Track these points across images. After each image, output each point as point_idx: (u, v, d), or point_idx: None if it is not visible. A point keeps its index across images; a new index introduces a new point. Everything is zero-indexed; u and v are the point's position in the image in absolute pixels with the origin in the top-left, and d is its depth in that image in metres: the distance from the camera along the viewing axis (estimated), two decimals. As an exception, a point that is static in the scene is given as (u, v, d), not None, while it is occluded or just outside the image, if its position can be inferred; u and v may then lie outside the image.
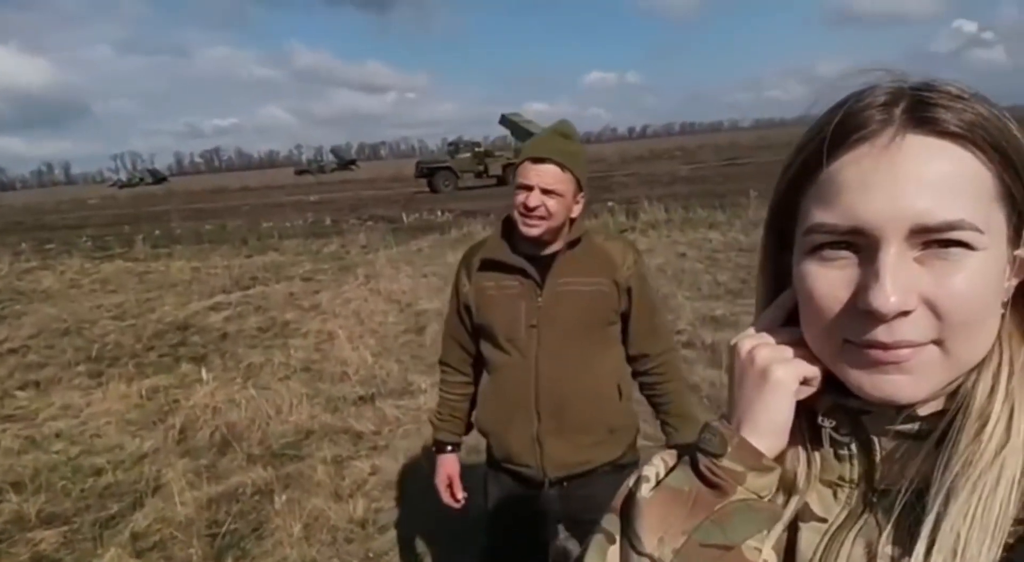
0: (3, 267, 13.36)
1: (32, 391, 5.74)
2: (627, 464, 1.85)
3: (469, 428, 2.05)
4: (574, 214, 1.75)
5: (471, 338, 1.93)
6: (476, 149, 30.25)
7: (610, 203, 15.37)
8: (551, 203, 1.67)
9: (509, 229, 1.80)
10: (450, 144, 31.34)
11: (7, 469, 4.14)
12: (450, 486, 2.02)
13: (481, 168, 29.61)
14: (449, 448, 2.02)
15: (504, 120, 30.41)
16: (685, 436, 1.83)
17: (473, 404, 2.03)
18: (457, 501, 2.04)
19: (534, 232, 1.68)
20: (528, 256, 1.76)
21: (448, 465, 2.02)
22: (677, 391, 1.87)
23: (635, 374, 1.89)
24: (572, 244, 1.76)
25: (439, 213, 18.08)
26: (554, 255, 1.76)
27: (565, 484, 1.81)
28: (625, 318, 1.82)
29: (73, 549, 3.29)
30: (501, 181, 29.04)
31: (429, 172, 29.09)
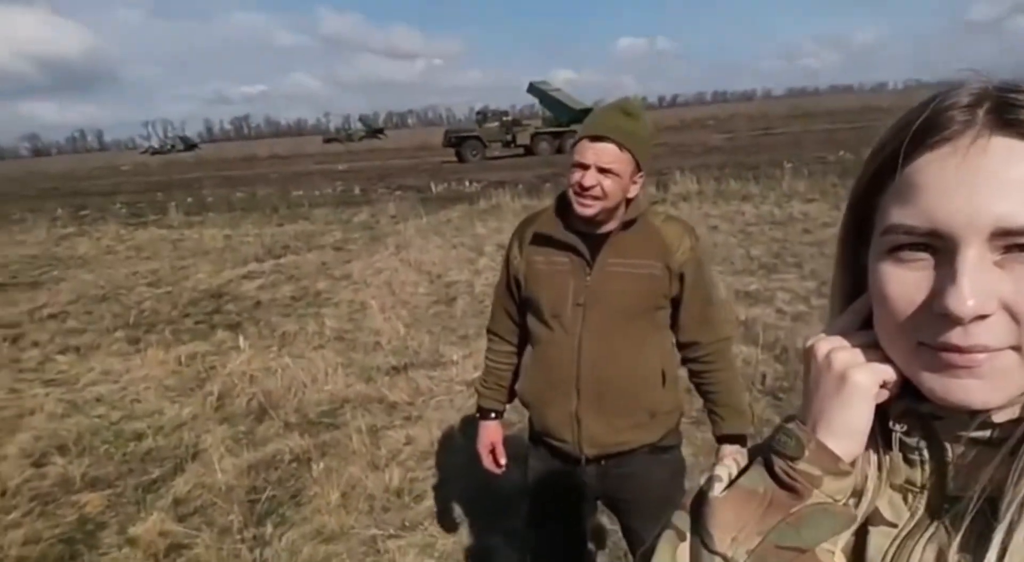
0: (40, 233, 13.64)
1: (72, 356, 5.88)
2: (667, 447, 1.85)
3: (512, 397, 2.07)
4: (631, 194, 1.70)
5: (518, 310, 1.93)
6: (504, 118, 30.03)
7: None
8: (607, 183, 1.63)
9: (564, 205, 1.76)
10: (478, 113, 31.13)
11: (51, 433, 4.26)
12: (492, 452, 2.05)
13: (509, 138, 29.42)
14: (492, 415, 2.05)
15: (532, 88, 30.11)
16: (733, 427, 1.83)
17: (517, 374, 2.04)
18: (499, 467, 2.07)
19: (588, 212, 1.65)
20: (581, 234, 1.73)
21: (491, 432, 2.05)
22: (727, 381, 1.83)
23: (684, 360, 1.87)
24: (627, 225, 1.72)
25: (467, 183, 18.06)
26: (608, 234, 1.73)
27: (603, 462, 1.81)
28: (676, 304, 1.78)
29: (118, 512, 3.39)
30: (529, 151, 28.85)
31: (457, 141, 28.99)
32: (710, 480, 0.60)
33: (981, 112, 0.48)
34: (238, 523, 3.16)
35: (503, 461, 2.06)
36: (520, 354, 2.02)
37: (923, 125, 0.49)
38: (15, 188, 33.73)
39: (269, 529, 3.12)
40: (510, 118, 30.56)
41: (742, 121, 43.78)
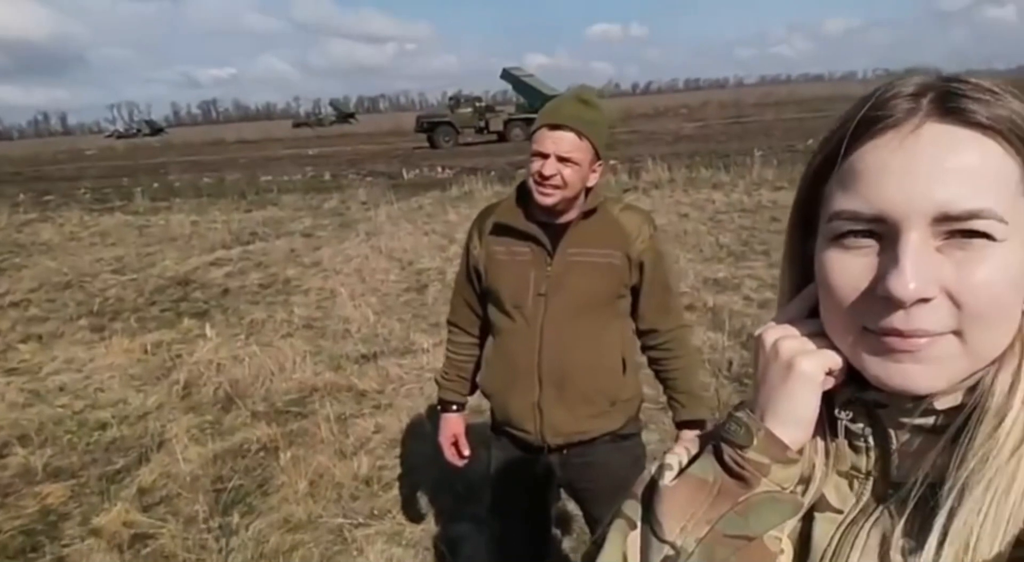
0: (2, 219, 13.30)
1: (34, 344, 5.76)
2: (628, 434, 1.86)
3: (474, 388, 2.07)
4: (590, 183, 1.72)
5: (479, 300, 1.93)
6: (477, 104, 29.84)
7: (612, 161, 15.25)
8: (567, 172, 1.64)
9: (524, 194, 1.77)
10: (451, 98, 30.90)
11: (12, 422, 4.18)
12: (455, 444, 2.05)
13: (482, 124, 29.26)
14: (454, 408, 2.05)
15: (506, 74, 29.95)
16: (692, 413, 1.85)
17: (479, 365, 2.04)
18: (462, 459, 2.07)
19: (548, 201, 1.66)
20: (541, 223, 1.74)
21: (453, 424, 2.05)
22: (686, 368, 1.86)
23: (644, 348, 1.89)
24: (587, 214, 1.73)
25: (439, 169, 17.95)
26: (568, 224, 1.73)
27: (565, 451, 1.82)
28: (636, 292, 1.80)
29: (81, 503, 3.34)
30: (502, 137, 28.71)
31: (429, 127, 28.73)
32: (661, 468, 0.60)
33: (925, 101, 0.49)
34: (204, 513, 3.14)
35: (466, 452, 2.06)
36: (482, 345, 2.02)
37: (867, 114, 0.50)
38: (-26, 172, 32.81)
39: (236, 518, 3.10)
40: (483, 104, 30.37)
41: (714, 109, 44.01)
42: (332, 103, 79.68)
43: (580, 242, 1.72)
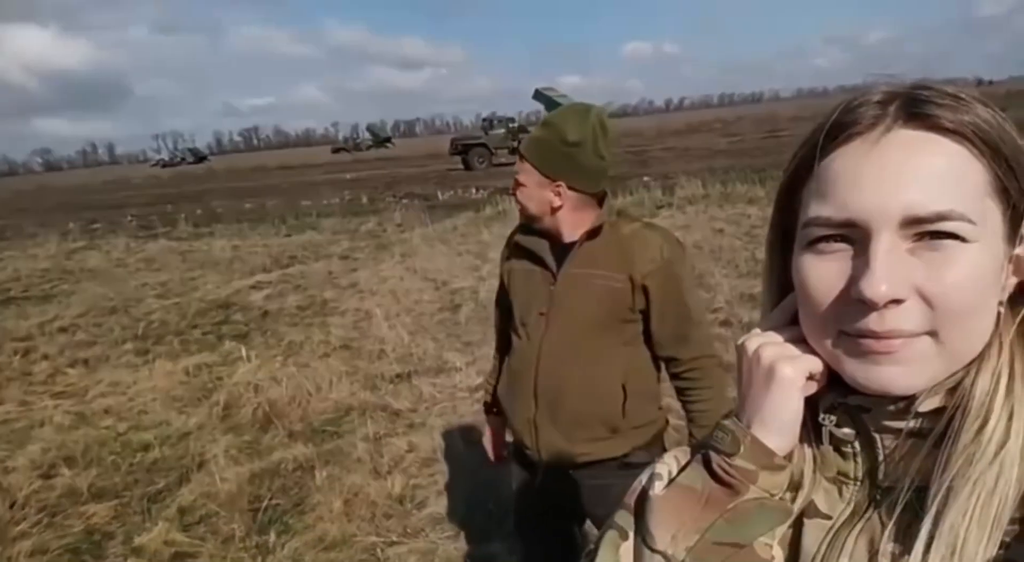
0: (51, 247, 13.76)
1: (81, 368, 5.93)
2: (640, 462, 1.76)
3: None
4: (555, 204, 1.68)
5: (507, 312, 1.98)
6: (510, 125, 30.08)
7: (646, 178, 15.22)
8: (518, 193, 1.73)
9: None
10: (484, 120, 31.20)
11: (60, 444, 4.30)
12: (495, 446, 2.15)
13: (515, 144, 29.43)
14: (495, 410, 2.09)
15: (538, 95, 30.12)
16: None
17: None
18: (499, 459, 2.15)
19: (522, 218, 1.77)
20: (552, 244, 1.75)
21: (492, 426, 2.15)
22: (707, 400, 1.73)
23: (671, 376, 1.80)
24: (592, 234, 1.70)
25: (474, 190, 18.12)
26: (573, 244, 1.73)
27: (570, 472, 1.79)
28: (648, 317, 1.71)
29: (124, 522, 3.42)
30: (536, 157, 28.79)
31: (463, 149, 29.04)
32: (651, 478, 0.61)
33: (891, 108, 0.50)
34: (241, 532, 3.19)
35: (503, 454, 2.14)
36: None
37: (836, 122, 0.52)
38: (28, 202, 34.08)
39: (272, 537, 3.14)
40: (516, 124, 30.59)
41: (749, 124, 43.66)
42: (369, 128, 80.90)
43: (583, 263, 1.70)
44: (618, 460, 1.74)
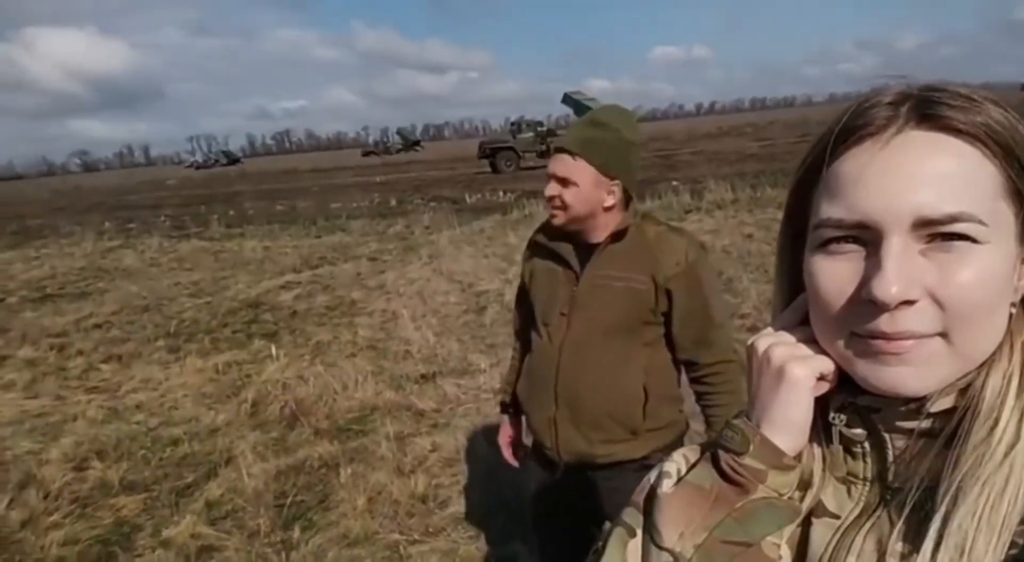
0: (87, 246, 14.08)
1: (115, 364, 6.06)
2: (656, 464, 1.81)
3: None
4: (607, 203, 1.68)
5: (528, 312, 1.98)
6: (539, 128, 30.06)
7: (674, 182, 15.13)
8: (566, 193, 1.66)
9: None
10: (512, 124, 31.23)
11: (92, 438, 4.39)
12: (512, 445, 2.13)
13: (543, 148, 29.39)
14: (511, 410, 2.10)
15: (567, 98, 30.14)
16: None
17: None
18: (515, 459, 2.13)
19: (555, 222, 1.71)
20: (574, 244, 1.75)
21: (507, 427, 2.13)
22: (727, 405, 1.72)
23: (690, 379, 1.81)
24: (617, 236, 1.70)
25: (501, 194, 18.14)
26: (598, 245, 1.73)
27: (588, 472, 1.80)
28: (670, 320, 1.71)
29: (152, 515, 3.49)
30: (563, 161, 28.74)
31: (491, 152, 29.09)
32: (660, 476, 0.61)
33: (903, 109, 0.50)
34: (266, 527, 3.23)
35: (519, 454, 2.13)
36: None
37: (848, 123, 0.52)
38: (65, 202, 34.88)
39: (296, 533, 3.18)
40: (544, 128, 30.57)
41: (780, 128, 43.16)
42: (399, 131, 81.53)
43: (606, 264, 1.70)
44: (637, 462, 1.73)
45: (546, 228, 1.83)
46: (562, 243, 1.76)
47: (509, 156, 28.69)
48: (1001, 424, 0.48)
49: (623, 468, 1.74)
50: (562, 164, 1.66)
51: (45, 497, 3.69)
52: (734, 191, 12.68)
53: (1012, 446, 0.47)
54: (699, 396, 1.80)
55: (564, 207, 1.67)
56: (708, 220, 10.49)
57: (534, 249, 1.88)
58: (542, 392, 1.79)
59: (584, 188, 1.65)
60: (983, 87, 0.51)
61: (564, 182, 1.65)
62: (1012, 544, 0.46)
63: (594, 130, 1.67)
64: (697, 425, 1.95)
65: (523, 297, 1.98)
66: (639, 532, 0.60)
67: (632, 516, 0.62)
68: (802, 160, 0.57)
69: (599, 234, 1.73)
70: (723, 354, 1.73)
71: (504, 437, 2.14)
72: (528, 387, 1.88)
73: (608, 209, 1.70)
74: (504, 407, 2.13)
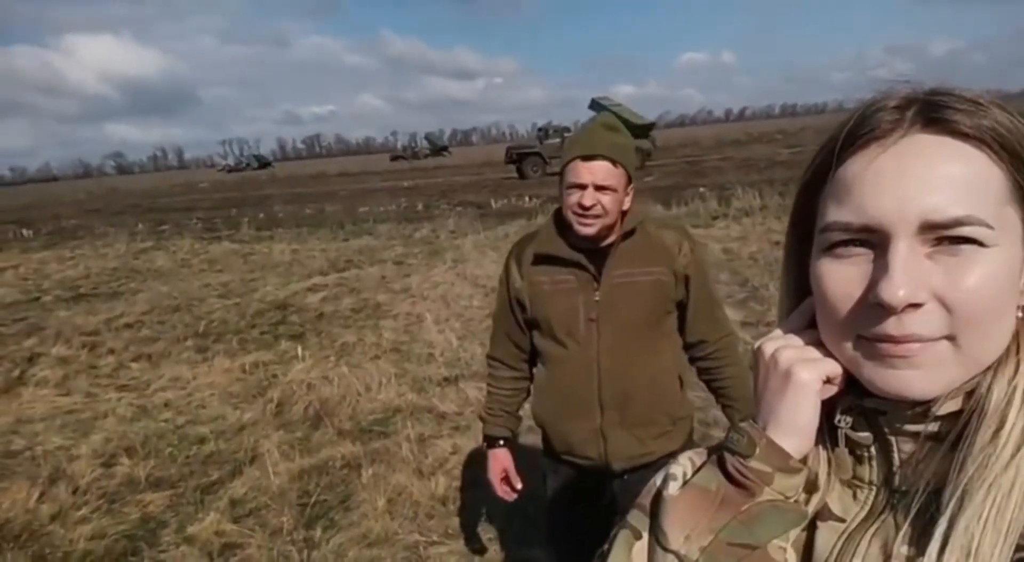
0: (121, 247, 14.36)
1: (144, 363, 6.18)
2: None
3: (519, 421, 2.05)
4: (625, 206, 1.72)
5: (522, 332, 1.91)
6: (565, 134, 30.01)
7: (701, 189, 15.02)
8: (605, 200, 1.64)
9: (561, 223, 1.76)
10: (539, 129, 31.22)
11: (121, 435, 4.48)
12: (505, 479, 2.01)
13: (571, 153, 29.38)
14: (501, 442, 2.00)
15: (594, 104, 30.07)
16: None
17: (525, 398, 2.03)
18: (514, 491, 2.02)
19: (590, 231, 1.67)
20: (584, 250, 1.73)
21: (501, 459, 2.01)
22: (738, 375, 1.84)
23: (692, 360, 1.88)
24: (627, 235, 1.73)
25: (527, 199, 18.16)
26: (610, 247, 1.73)
27: (626, 476, 1.81)
28: (682, 306, 1.80)
29: (178, 511, 3.54)
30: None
31: (518, 158, 29.11)
32: (666, 479, 0.62)
33: (909, 113, 0.50)
34: (289, 525, 3.27)
35: (519, 486, 2.01)
36: (527, 378, 2.01)
37: (854, 127, 0.52)
38: (100, 204, 35.62)
39: (318, 532, 3.21)
40: (571, 134, 30.54)
41: (811, 134, 42.63)
42: (427, 137, 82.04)
43: (625, 263, 1.72)
44: (672, 455, 1.73)
45: (543, 240, 1.80)
46: (569, 250, 1.74)
47: (536, 161, 28.70)
48: (1007, 427, 0.47)
49: (656, 466, 1.73)
50: (602, 171, 1.64)
51: (74, 492, 3.77)
52: (762, 198, 12.55)
53: (1018, 449, 0.47)
54: (706, 371, 1.87)
55: (604, 214, 1.66)
56: (735, 227, 10.41)
57: (534, 261, 1.81)
58: (582, 404, 1.76)
59: (619, 193, 1.67)
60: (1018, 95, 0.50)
61: (602, 189, 1.64)
62: (1018, 547, 0.46)
63: (616, 135, 1.69)
64: (701, 415, 1.96)
65: (513, 315, 1.89)
66: (645, 534, 0.60)
67: (638, 518, 0.62)
68: (809, 164, 0.57)
69: (613, 236, 1.74)
70: (727, 328, 1.88)
71: (496, 471, 2.00)
72: (559, 404, 1.82)
73: (626, 211, 1.74)
74: (495, 440, 2.00)
